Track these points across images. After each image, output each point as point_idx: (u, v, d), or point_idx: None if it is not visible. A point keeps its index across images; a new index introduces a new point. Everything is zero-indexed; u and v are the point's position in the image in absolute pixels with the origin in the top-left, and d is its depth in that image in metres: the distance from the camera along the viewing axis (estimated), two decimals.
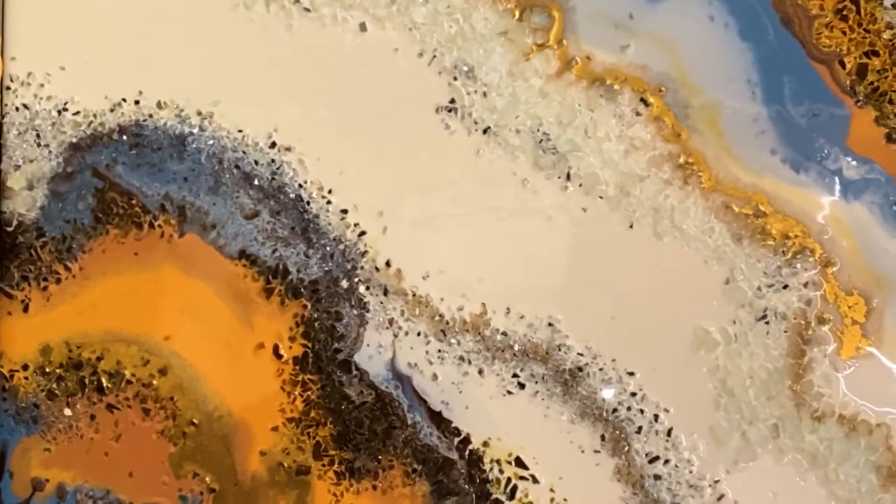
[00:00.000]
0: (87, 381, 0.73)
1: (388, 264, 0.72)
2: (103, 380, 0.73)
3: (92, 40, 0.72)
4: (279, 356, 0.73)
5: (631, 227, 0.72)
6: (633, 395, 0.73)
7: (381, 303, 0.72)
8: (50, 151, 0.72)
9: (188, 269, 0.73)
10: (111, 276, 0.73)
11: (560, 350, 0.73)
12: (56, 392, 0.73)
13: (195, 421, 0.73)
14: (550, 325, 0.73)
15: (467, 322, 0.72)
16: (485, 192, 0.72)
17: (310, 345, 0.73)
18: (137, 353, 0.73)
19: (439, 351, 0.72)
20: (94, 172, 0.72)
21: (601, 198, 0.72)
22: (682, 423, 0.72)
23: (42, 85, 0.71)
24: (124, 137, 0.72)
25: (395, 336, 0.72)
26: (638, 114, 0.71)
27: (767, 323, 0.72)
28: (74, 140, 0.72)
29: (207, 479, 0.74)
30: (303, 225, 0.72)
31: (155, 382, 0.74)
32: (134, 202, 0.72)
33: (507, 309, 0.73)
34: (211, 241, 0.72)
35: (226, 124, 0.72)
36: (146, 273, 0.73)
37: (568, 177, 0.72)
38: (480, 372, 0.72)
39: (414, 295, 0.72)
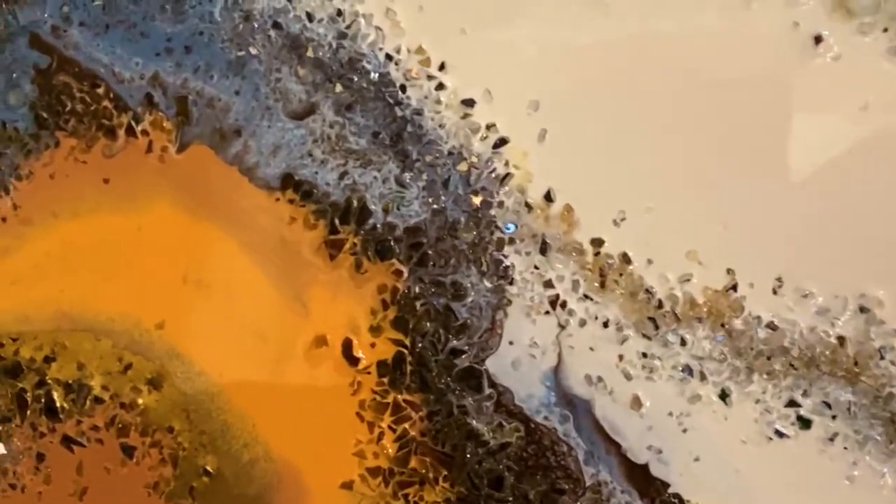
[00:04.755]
0: (29, 396, 0.62)
1: (548, 198, 0.54)
2: (55, 395, 0.62)
3: None
4: (353, 360, 0.58)
5: None
6: None
7: (537, 267, 0.55)
8: None
9: (195, 207, 0.59)
10: (65, 218, 0.61)
11: (882, 358, 0.50)
12: None
13: (210, 468, 0.60)
14: (863, 310, 0.50)
15: (699, 304, 0.53)
16: (732, 57, 0.50)
17: (407, 341, 0.57)
18: (112, 352, 0.61)
19: (645, 355, 0.54)
20: (32, 40, 0.60)
21: None
22: None
23: None
24: None
25: (563, 328, 0.55)
26: None
27: None
28: None
29: None
30: (394, 128, 0.56)
31: (141, 401, 0.61)
32: (100, 91, 0.59)
33: (778, 280, 0.51)
34: (233, 159, 0.58)
35: None
36: (124, 214, 0.60)
37: None
38: (724, 395, 0.53)
39: (598, 254, 0.54)
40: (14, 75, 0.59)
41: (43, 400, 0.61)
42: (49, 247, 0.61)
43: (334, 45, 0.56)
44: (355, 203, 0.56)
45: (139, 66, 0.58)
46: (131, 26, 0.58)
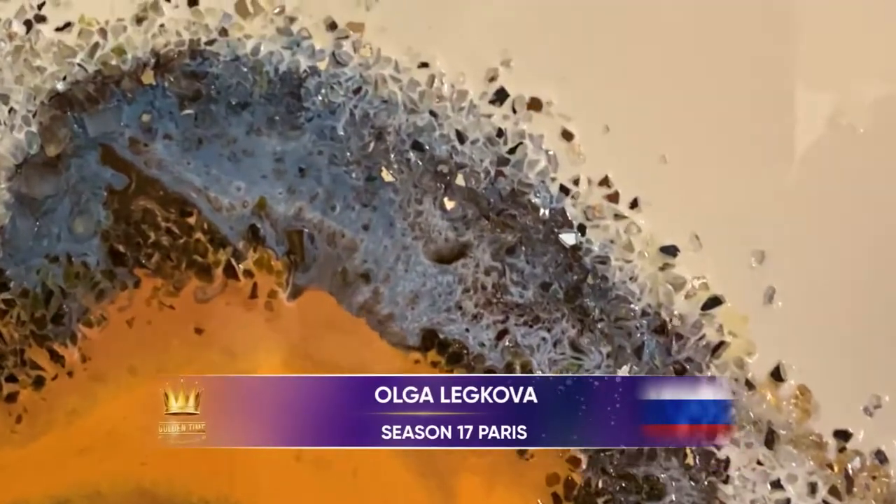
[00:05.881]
0: None
1: (777, 375, 0.47)
2: None
3: None
4: None
5: None
6: None
7: (760, 463, 0.48)
8: (13, 111, 0.54)
9: (312, 367, 0.53)
10: (147, 376, 0.54)
11: None
12: None
13: None
14: None
15: None
16: None
17: None
18: None
19: None
20: (104, 155, 0.53)
21: None
22: None
23: None
24: (168, 79, 0.52)
25: None
26: None
27: None
28: (61, 87, 0.53)
29: None
30: (570, 279, 0.50)
31: None
32: (192, 220, 0.53)
33: None
34: (360, 310, 0.52)
35: (390, 51, 0.51)
36: (221, 371, 0.54)
37: None
38: None
39: (843, 450, 0.48)
40: (82, 198, 0.53)
41: None
42: (126, 410, 0.53)
43: (492, 172, 0.50)
44: (518, 369, 0.51)
45: (241, 192, 0.52)
46: (231, 141, 0.52)
